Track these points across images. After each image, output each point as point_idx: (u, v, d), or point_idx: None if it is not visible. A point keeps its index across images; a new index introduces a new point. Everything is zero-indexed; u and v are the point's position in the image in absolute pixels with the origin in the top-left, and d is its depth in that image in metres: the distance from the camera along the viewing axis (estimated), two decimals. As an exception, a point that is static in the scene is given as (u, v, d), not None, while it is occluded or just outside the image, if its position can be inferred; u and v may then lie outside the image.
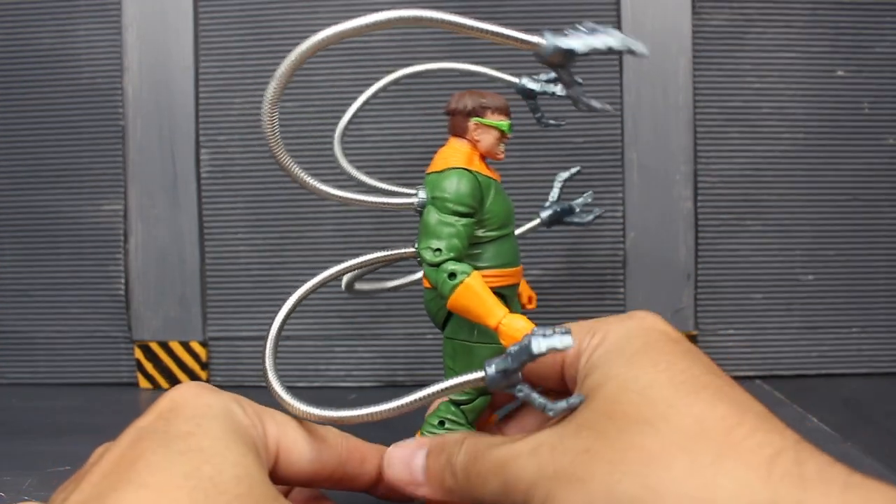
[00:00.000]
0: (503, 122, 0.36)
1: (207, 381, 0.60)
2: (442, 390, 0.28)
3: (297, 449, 0.29)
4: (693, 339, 0.59)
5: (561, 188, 0.47)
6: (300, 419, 0.29)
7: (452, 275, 0.31)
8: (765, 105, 0.59)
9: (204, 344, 0.60)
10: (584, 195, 0.47)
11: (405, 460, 0.30)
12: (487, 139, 0.35)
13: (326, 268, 0.33)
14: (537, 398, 0.28)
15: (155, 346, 0.60)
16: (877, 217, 0.59)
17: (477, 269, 0.32)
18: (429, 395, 0.28)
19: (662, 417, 0.23)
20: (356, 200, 0.33)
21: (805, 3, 0.58)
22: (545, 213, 0.47)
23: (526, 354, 0.27)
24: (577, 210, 0.47)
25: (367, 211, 0.59)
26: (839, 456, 0.21)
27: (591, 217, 0.47)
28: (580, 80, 0.33)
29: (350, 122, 0.46)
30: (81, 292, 0.61)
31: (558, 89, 0.45)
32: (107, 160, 0.60)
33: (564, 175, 0.48)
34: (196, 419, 0.26)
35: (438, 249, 0.32)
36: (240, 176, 0.60)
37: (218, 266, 0.60)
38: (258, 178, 0.60)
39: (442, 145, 0.36)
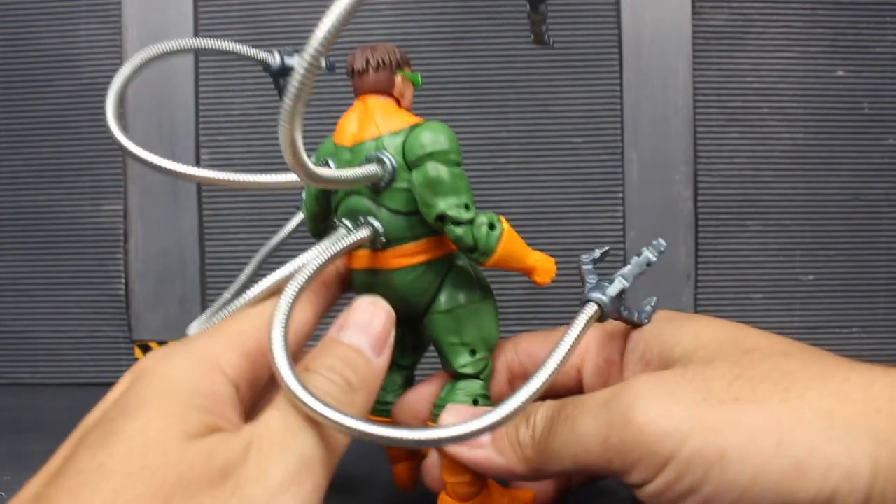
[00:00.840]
0: (417, 76, 0.32)
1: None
2: (570, 351, 0.24)
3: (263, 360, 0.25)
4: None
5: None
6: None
7: (492, 225, 0.29)
8: (765, 105, 0.59)
9: (204, 344, 0.60)
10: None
11: (465, 416, 0.26)
12: (409, 95, 0.32)
13: (292, 282, 0.29)
14: (629, 309, 0.28)
15: (155, 346, 0.60)
16: (877, 217, 0.59)
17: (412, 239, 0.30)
18: (558, 367, 0.23)
19: (803, 350, 0.22)
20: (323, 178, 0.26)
21: (805, 3, 0.58)
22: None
23: (645, 265, 0.28)
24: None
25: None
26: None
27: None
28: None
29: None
30: (81, 292, 0.61)
31: (324, 62, 0.41)
32: (107, 160, 0.60)
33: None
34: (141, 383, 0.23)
35: (466, 205, 0.29)
36: (240, 176, 0.60)
37: (218, 266, 0.60)
38: (258, 178, 0.60)
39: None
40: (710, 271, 0.59)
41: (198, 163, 0.59)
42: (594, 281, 0.27)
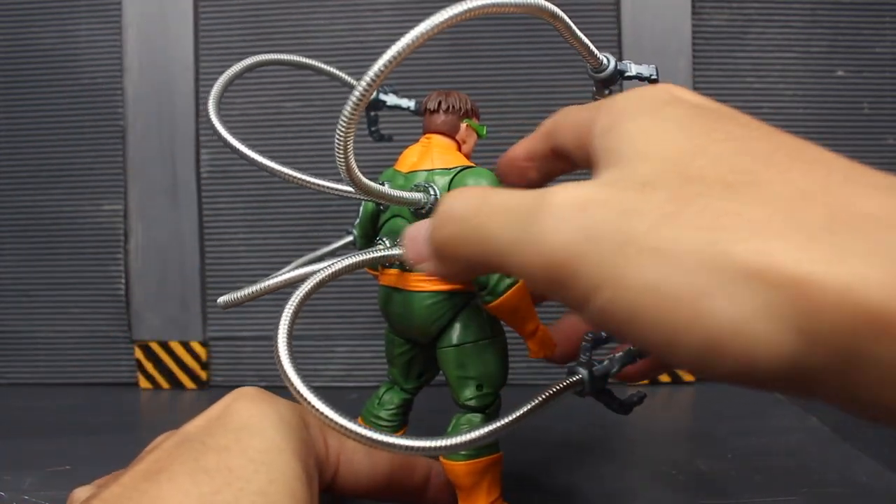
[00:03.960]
0: (483, 127, 0.35)
1: (207, 381, 0.60)
2: (540, 405, 0.26)
3: (357, 458, 0.28)
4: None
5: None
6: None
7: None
8: (765, 105, 0.59)
9: (204, 344, 0.60)
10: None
11: (415, 234, 0.25)
12: (471, 143, 0.35)
13: (326, 267, 0.31)
14: (615, 364, 0.29)
15: (155, 346, 0.60)
16: (877, 217, 0.59)
17: None
18: (526, 413, 0.26)
19: (750, 183, 0.18)
20: (381, 193, 0.29)
21: (804, 4, 0.58)
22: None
23: (630, 357, 0.28)
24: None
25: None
26: (839, 456, 0.21)
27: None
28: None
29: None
30: (81, 292, 0.61)
31: (413, 104, 0.43)
32: (107, 160, 0.60)
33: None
34: (238, 432, 0.25)
35: None
36: (240, 176, 0.60)
37: (218, 266, 0.60)
38: (258, 178, 0.60)
39: (408, 143, 0.35)
40: (710, 271, 0.59)
41: (198, 163, 0.59)
42: (586, 358, 0.28)
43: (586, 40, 0.31)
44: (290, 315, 0.26)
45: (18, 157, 0.61)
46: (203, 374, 0.60)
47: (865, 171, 0.19)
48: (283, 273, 0.31)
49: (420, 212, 0.32)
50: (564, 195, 0.19)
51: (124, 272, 0.60)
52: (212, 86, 0.47)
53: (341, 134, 0.25)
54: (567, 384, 0.28)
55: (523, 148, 0.29)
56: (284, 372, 0.24)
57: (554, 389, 0.27)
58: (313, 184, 0.31)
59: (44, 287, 0.61)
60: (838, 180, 0.18)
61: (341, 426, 0.23)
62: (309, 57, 0.44)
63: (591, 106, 0.24)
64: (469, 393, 0.33)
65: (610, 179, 0.20)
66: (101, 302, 0.61)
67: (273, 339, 0.25)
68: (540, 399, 0.26)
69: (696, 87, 0.58)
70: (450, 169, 0.32)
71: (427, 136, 0.34)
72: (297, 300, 0.27)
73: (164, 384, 0.60)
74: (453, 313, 0.33)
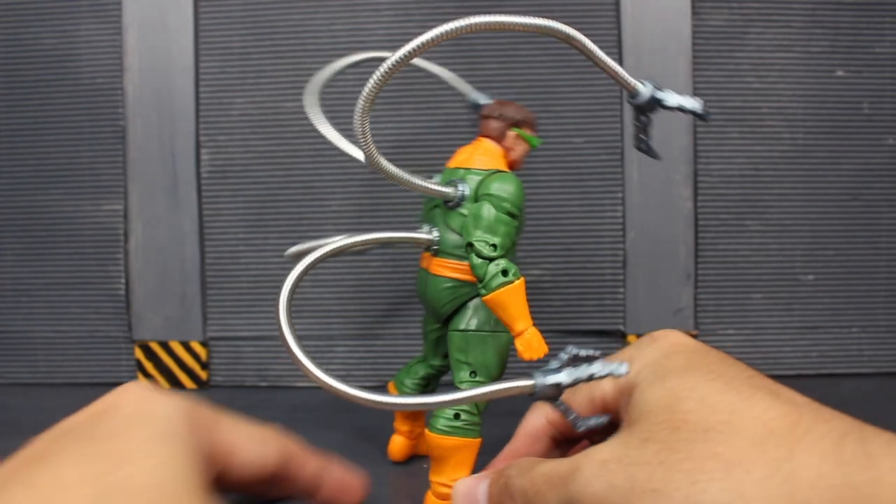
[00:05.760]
0: (536, 139, 0.38)
1: (207, 381, 0.60)
2: (487, 393, 0.28)
3: (248, 449, 0.28)
4: (693, 339, 0.59)
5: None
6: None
7: (506, 272, 0.33)
8: (764, 105, 0.59)
9: (204, 344, 0.60)
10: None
11: (469, 493, 0.31)
12: (519, 150, 0.38)
13: (326, 267, 0.33)
14: (572, 413, 0.30)
15: (155, 346, 0.60)
16: (877, 217, 0.59)
17: None
18: (472, 396, 0.28)
19: (728, 423, 0.24)
20: (407, 181, 0.35)
21: (804, 4, 0.58)
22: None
23: (586, 375, 0.29)
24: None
25: (367, 211, 0.59)
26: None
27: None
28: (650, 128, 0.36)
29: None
30: (81, 292, 0.61)
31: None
32: (107, 160, 0.60)
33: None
34: (126, 421, 0.25)
35: (494, 245, 0.34)
36: (240, 176, 0.60)
37: (218, 266, 0.60)
38: (258, 178, 0.60)
39: (461, 143, 0.38)
40: (710, 271, 0.59)
41: (198, 163, 0.59)
42: (554, 366, 0.29)
43: (616, 66, 0.32)
44: (309, 262, 0.32)
45: (18, 157, 0.61)
46: (203, 374, 0.60)
47: (827, 417, 0.24)
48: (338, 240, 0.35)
49: (447, 204, 0.36)
50: (593, 457, 0.26)
51: (124, 272, 0.60)
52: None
53: (358, 118, 0.28)
54: (515, 386, 0.29)
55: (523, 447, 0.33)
56: (279, 320, 0.30)
57: (503, 387, 0.29)
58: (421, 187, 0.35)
59: (44, 287, 0.61)
60: (805, 427, 0.23)
61: (323, 381, 0.28)
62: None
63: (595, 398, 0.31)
64: (463, 376, 0.36)
65: (624, 439, 0.26)
66: (101, 302, 0.61)
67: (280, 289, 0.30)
68: (488, 390, 0.29)
69: (696, 87, 0.58)
70: (484, 171, 0.36)
71: (480, 137, 0.38)
72: (323, 251, 0.33)
73: (165, 384, 0.60)
74: (461, 301, 0.37)
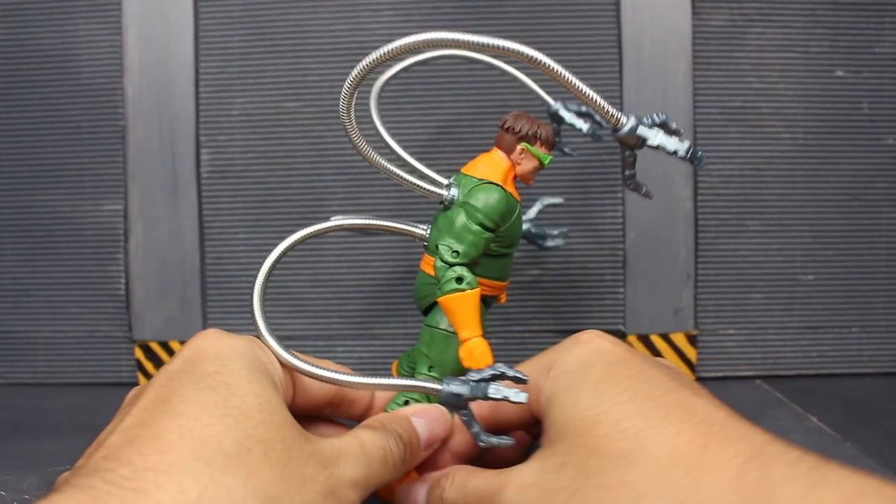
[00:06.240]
0: (547, 156, 0.38)
1: (207, 381, 0.60)
2: (398, 385, 0.32)
3: (309, 380, 0.33)
4: (693, 339, 0.59)
5: (540, 210, 0.49)
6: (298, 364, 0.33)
7: (460, 279, 0.35)
8: (764, 105, 0.59)
9: (204, 344, 0.60)
10: (560, 232, 0.49)
11: (412, 496, 0.33)
12: (527, 165, 0.38)
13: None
14: (475, 426, 0.31)
15: (155, 346, 0.60)
16: (877, 217, 0.59)
17: (475, 275, 0.36)
18: (386, 385, 0.32)
19: (637, 450, 0.25)
20: (397, 175, 0.37)
21: (804, 4, 0.58)
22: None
23: (482, 393, 0.30)
24: (548, 239, 0.49)
25: (367, 211, 0.59)
26: (839, 456, 0.22)
27: (556, 242, 0.49)
28: (636, 165, 0.36)
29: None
30: (81, 292, 0.61)
31: (585, 127, 0.46)
32: (107, 160, 0.60)
33: (548, 200, 0.50)
34: (220, 360, 0.29)
35: (457, 252, 0.35)
36: (240, 176, 0.60)
37: (218, 266, 0.60)
38: (258, 178, 0.60)
39: (482, 150, 0.38)
40: (710, 271, 0.59)
41: (198, 163, 0.59)
42: (474, 378, 0.31)
43: (596, 97, 0.33)
44: (298, 236, 0.36)
45: (18, 157, 0.61)
46: (203, 374, 0.60)
47: (740, 431, 0.25)
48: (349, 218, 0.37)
49: (441, 204, 0.37)
50: (515, 480, 0.28)
51: (124, 272, 0.60)
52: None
53: (344, 111, 0.31)
54: (425, 386, 0.32)
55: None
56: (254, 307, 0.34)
57: (414, 383, 0.32)
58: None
59: (44, 287, 0.61)
60: (711, 452, 0.24)
61: (295, 365, 0.32)
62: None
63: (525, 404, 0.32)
64: (422, 368, 0.38)
65: (542, 462, 0.28)
66: (101, 302, 0.61)
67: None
68: (401, 382, 0.32)
69: (696, 87, 0.58)
70: (478, 179, 0.37)
71: (494, 148, 0.39)
72: (311, 230, 0.36)
73: (164, 384, 0.60)
74: (435, 298, 0.37)
